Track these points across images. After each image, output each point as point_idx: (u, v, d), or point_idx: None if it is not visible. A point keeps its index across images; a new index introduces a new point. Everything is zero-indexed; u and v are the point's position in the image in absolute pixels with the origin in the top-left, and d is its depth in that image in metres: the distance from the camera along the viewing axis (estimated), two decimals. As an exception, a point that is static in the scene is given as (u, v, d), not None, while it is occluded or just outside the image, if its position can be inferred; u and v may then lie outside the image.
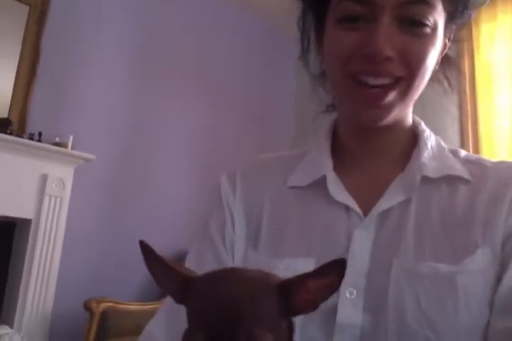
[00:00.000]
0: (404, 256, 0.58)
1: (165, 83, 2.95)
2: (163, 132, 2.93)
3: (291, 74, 3.42)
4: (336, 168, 0.67)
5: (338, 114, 0.70)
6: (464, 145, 2.69)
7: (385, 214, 0.62)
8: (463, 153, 0.68)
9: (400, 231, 0.60)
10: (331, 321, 0.56)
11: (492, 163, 0.66)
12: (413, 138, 0.67)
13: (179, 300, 0.44)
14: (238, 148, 3.12)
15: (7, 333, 1.90)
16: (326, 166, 0.67)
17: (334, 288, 0.43)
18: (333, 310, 0.56)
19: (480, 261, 0.57)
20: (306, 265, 0.59)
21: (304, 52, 0.68)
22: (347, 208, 0.63)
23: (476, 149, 2.66)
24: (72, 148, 2.40)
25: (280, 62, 3.49)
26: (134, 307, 2.23)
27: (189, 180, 2.97)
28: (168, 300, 0.67)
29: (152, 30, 2.95)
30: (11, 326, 2.06)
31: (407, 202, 0.62)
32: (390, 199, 0.62)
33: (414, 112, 0.69)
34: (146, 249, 0.44)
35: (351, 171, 0.67)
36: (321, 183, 0.65)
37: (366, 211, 0.63)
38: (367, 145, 0.67)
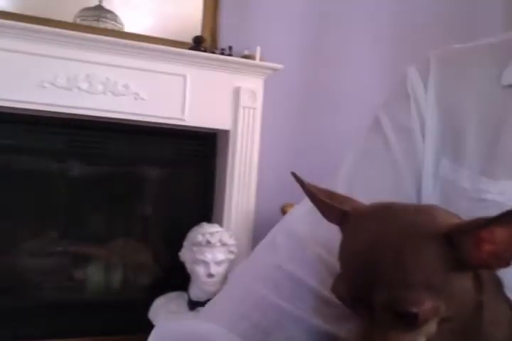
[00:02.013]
0: None
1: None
2: (350, 31, 2.78)
3: None
4: None
5: None
6: None
7: None
8: None
9: None
10: None
11: None
12: None
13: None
14: (434, 36, 2.77)
15: (217, 231, 2.17)
16: None
17: None
18: None
19: None
20: None
21: None
22: None
23: None
24: (260, 60, 2.45)
25: None
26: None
27: (381, 76, 2.79)
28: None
29: None
30: (221, 225, 2.35)
31: None
32: None
33: None
34: (299, 181, 0.41)
35: None
36: None
37: None
38: None
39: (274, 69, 2.48)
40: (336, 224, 0.40)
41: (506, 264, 0.33)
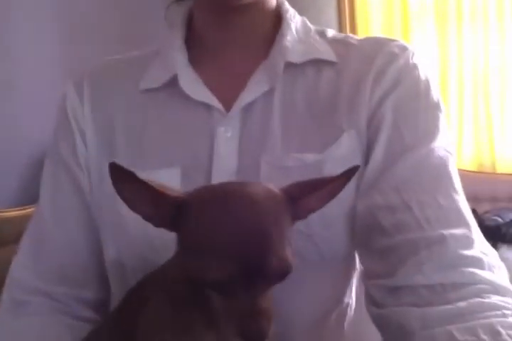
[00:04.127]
0: (271, 151, 0.56)
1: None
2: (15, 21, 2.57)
3: None
4: (193, 64, 0.60)
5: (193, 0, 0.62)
6: (341, 26, 2.68)
7: (249, 107, 0.57)
8: (330, 32, 0.63)
9: (266, 124, 0.57)
10: None
11: (358, 40, 0.62)
12: (277, 21, 0.61)
13: (168, 225, 0.40)
14: (103, 34, 2.77)
15: None
16: (179, 62, 0.60)
17: (335, 194, 0.43)
18: None
19: (346, 147, 0.55)
20: (170, 176, 0.55)
21: None
22: (207, 107, 0.58)
23: (353, 29, 2.66)
24: None
25: None
26: (13, 213, 2.06)
27: (51, 73, 2.67)
28: (27, 234, 0.63)
29: None
30: None
31: (270, 92, 0.57)
32: (253, 90, 0.57)
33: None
34: (120, 171, 0.38)
35: (211, 65, 0.61)
36: (176, 82, 0.58)
37: (229, 107, 0.57)
38: (227, 32, 0.60)
39: None
40: (167, 214, 0.39)
41: (312, 213, 0.43)
